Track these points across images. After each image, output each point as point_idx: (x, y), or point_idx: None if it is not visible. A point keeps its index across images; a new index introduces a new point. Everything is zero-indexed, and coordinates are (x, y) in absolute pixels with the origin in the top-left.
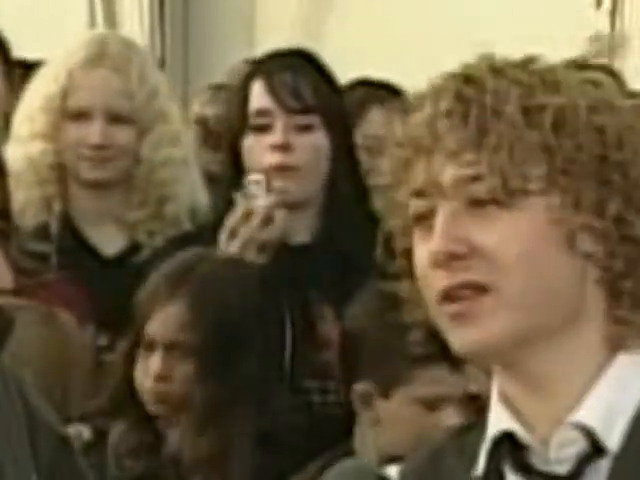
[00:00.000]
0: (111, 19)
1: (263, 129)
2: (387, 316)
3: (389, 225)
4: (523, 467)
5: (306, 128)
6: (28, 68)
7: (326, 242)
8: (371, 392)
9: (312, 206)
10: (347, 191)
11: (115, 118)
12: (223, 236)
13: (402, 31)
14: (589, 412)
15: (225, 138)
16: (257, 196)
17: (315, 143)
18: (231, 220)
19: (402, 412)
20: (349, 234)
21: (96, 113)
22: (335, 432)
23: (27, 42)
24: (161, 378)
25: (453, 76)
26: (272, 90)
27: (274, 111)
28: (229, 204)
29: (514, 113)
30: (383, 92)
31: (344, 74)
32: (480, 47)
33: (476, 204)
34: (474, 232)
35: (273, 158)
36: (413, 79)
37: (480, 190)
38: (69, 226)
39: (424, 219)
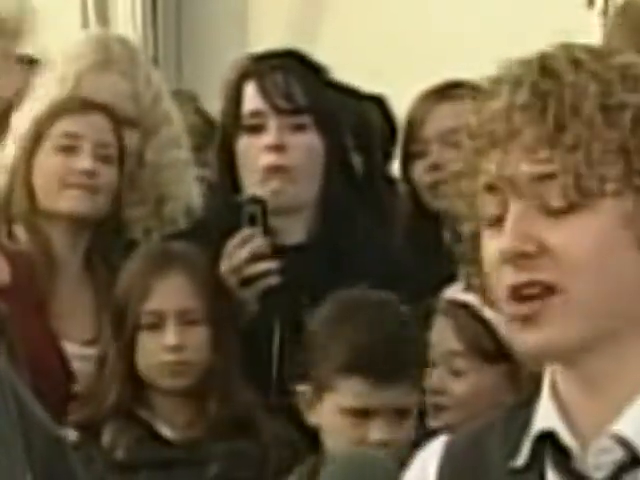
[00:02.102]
0: (103, 18)
1: (256, 130)
2: (329, 322)
3: (455, 211)
4: (563, 466)
5: (299, 128)
6: (31, 63)
7: (320, 243)
8: (310, 394)
9: (307, 206)
10: (342, 190)
11: (123, 122)
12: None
13: (396, 31)
14: (630, 423)
15: (219, 139)
16: (254, 232)
17: (308, 143)
18: (230, 244)
19: (332, 419)
20: (344, 234)
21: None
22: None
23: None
24: (179, 348)
25: (530, 66)
26: (264, 91)
27: (266, 112)
28: (223, 206)
29: (593, 111)
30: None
31: (337, 74)
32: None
33: (548, 202)
34: (545, 231)
35: (267, 159)
36: (407, 79)
37: (553, 189)
38: None
39: (494, 213)
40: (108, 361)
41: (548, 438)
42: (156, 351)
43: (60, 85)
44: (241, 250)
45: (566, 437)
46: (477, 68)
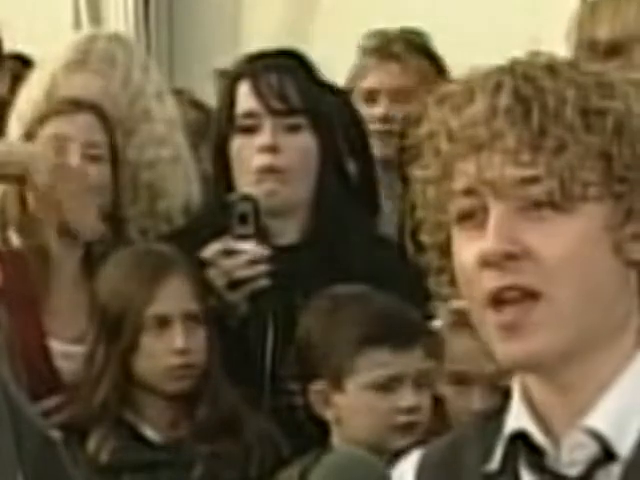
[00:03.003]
0: (96, 17)
1: (250, 130)
2: (326, 313)
3: (418, 217)
4: (537, 466)
5: (293, 129)
6: (26, 63)
7: (314, 243)
8: (326, 389)
9: (301, 207)
10: (335, 191)
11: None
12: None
13: None
14: (602, 417)
15: (213, 139)
16: (246, 238)
17: (303, 144)
18: (215, 248)
19: (358, 400)
20: (337, 235)
21: None
22: (318, 434)
23: (11, 40)
24: (186, 351)
25: (505, 71)
26: (258, 92)
27: (260, 113)
28: (217, 206)
29: (573, 116)
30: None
31: (330, 75)
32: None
33: (531, 206)
34: (528, 234)
35: (261, 160)
36: None
37: (538, 192)
38: None
39: (470, 217)
40: (96, 363)
41: (521, 439)
42: (163, 355)
43: (37, 86)
44: (230, 256)
45: (538, 436)
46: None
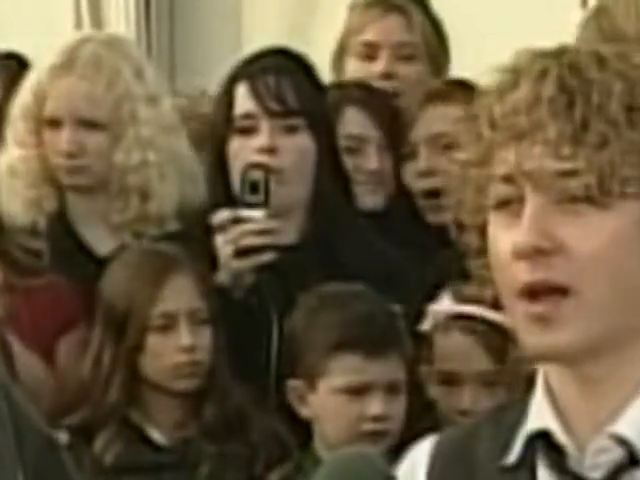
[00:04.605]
0: (97, 18)
1: (248, 131)
2: (309, 312)
3: (457, 201)
4: (557, 466)
5: (291, 130)
6: (22, 63)
7: (313, 243)
8: (301, 387)
9: (299, 207)
10: (333, 192)
11: (85, 124)
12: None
13: None
14: (629, 423)
15: (210, 140)
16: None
17: (300, 145)
18: (224, 215)
19: (328, 403)
20: (335, 235)
21: (65, 120)
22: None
23: (13, 41)
24: (193, 348)
25: (554, 59)
26: (255, 94)
27: (258, 114)
28: (215, 205)
29: (617, 111)
30: (357, 92)
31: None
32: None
33: (568, 200)
34: (562, 228)
35: (259, 161)
36: None
37: (576, 186)
38: (64, 226)
39: (507, 205)
40: (104, 364)
41: (541, 437)
42: (170, 353)
43: (26, 89)
44: (239, 223)
45: (561, 437)
46: (470, 68)
